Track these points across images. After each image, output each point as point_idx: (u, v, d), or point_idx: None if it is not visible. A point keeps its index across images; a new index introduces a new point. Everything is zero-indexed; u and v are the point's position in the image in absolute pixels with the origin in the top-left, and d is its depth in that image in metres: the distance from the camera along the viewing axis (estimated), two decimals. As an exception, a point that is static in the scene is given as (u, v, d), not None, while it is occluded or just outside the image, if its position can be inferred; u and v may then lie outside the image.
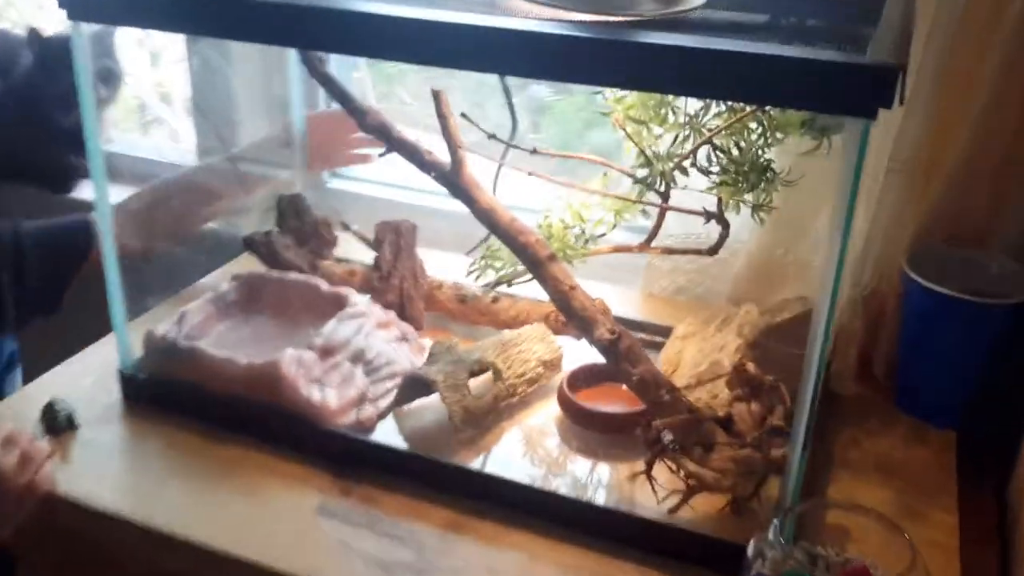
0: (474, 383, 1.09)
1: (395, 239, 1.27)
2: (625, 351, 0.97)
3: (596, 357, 1.01)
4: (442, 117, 1.03)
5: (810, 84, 0.72)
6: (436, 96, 1.03)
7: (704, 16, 0.92)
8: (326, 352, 1.10)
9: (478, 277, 1.24)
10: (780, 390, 0.95)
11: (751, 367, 0.95)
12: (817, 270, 1.30)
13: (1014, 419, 1.09)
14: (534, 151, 1.02)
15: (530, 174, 1.07)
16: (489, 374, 1.12)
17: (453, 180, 1.05)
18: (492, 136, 1.04)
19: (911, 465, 1.07)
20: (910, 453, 1.10)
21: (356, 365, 1.11)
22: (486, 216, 1.04)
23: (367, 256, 1.30)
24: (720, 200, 1.04)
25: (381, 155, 1.11)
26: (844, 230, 0.77)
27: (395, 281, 1.24)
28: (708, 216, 1.05)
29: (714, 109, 1.06)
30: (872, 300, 1.19)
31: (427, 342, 1.16)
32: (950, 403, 1.13)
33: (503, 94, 1.04)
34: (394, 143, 1.10)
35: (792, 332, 1.11)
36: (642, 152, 1.05)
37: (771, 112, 1.00)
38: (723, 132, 1.01)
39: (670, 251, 1.16)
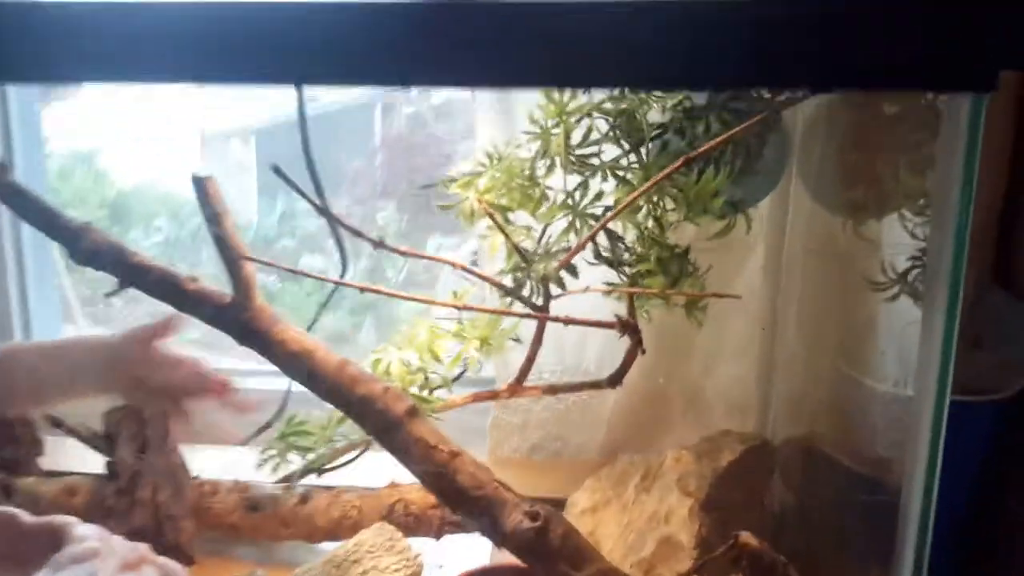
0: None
1: (137, 430, 0.84)
2: (559, 543, 0.60)
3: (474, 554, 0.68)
4: (213, 216, 0.65)
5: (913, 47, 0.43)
6: (200, 185, 0.65)
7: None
8: (38, 630, 0.64)
9: (275, 468, 0.83)
10: (789, 569, 0.63)
11: (751, 539, 0.62)
12: (712, 398, 1.06)
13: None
14: (404, 254, 0.66)
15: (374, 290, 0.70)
16: (315, 616, 0.71)
17: (240, 317, 0.66)
18: (380, 243, 0.66)
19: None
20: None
21: (94, 644, 0.66)
22: (299, 365, 0.66)
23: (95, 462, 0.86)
24: (632, 301, 0.73)
25: (108, 295, 0.71)
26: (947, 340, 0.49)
27: (143, 493, 0.81)
28: (623, 327, 0.73)
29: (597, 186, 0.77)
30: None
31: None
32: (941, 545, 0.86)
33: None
34: (133, 272, 0.70)
35: (741, 478, 0.80)
36: (516, 249, 0.72)
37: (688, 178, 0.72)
38: (626, 208, 0.71)
39: (555, 389, 0.82)
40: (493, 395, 0.83)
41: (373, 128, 1.45)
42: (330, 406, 0.71)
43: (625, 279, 0.74)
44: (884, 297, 0.80)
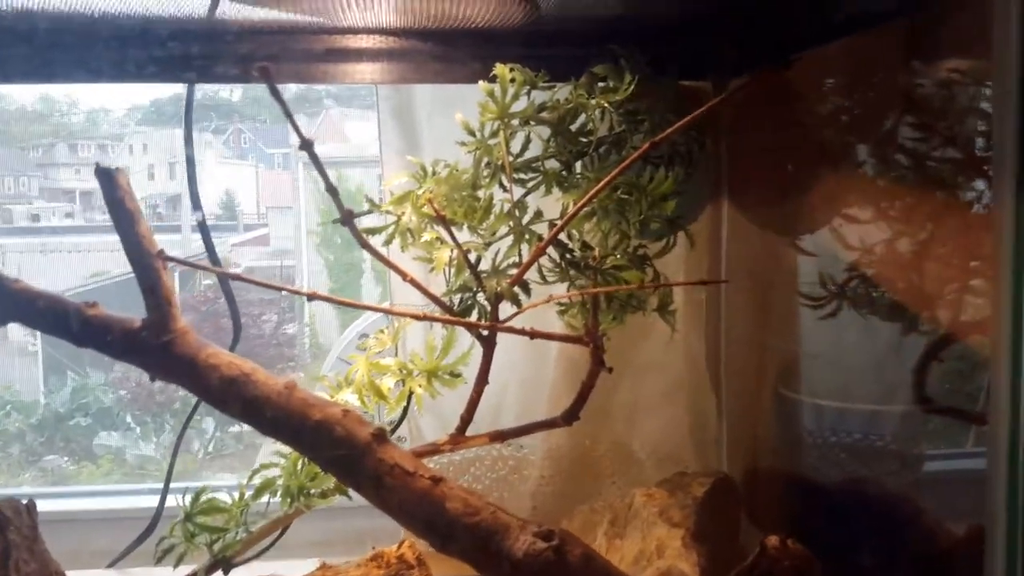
0: None
1: (-5, 533, 0.68)
2: (580, 565, 0.51)
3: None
4: (121, 212, 0.54)
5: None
6: (108, 179, 0.54)
7: None
8: None
9: (176, 563, 0.69)
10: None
11: (789, 542, 0.54)
12: (639, 451, 0.98)
13: None
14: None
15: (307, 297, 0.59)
16: None
17: (158, 342, 0.54)
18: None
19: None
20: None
21: None
22: (236, 394, 0.55)
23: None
24: (595, 307, 0.66)
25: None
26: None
27: (12, 604, 0.64)
28: (591, 341, 0.65)
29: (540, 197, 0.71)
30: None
31: None
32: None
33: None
34: (13, 303, 0.57)
35: (716, 510, 0.73)
36: (466, 260, 0.64)
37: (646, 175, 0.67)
38: (580, 212, 0.65)
39: (502, 435, 0.73)
40: (434, 448, 0.72)
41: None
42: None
43: (585, 286, 0.67)
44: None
